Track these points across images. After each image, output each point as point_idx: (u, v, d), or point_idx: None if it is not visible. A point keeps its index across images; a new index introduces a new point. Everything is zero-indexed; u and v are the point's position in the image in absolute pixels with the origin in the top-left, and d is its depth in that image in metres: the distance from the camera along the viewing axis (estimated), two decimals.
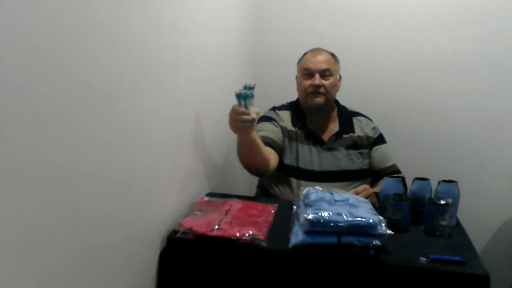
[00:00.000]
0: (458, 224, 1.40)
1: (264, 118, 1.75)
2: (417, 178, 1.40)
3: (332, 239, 1.12)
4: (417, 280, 1.11)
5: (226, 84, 1.78)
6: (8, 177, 0.66)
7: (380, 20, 2.08)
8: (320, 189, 1.32)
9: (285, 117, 1.77)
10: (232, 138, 1.90)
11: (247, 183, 1.87)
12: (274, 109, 1.81)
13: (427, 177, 1.40)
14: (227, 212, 1.34)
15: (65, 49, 0.77)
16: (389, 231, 1.13)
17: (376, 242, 1.12)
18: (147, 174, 1.13)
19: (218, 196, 1.50)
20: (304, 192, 1.31)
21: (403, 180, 1.40)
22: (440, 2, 2.03)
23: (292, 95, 1.84)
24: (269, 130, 1.69)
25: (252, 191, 1.94)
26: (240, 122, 1.37)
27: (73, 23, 0.78)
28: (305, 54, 1.78)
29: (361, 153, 1.74)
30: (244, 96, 1.35)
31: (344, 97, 1.97)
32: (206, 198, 1.45)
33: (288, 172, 1.70)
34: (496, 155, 2.07)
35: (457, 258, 1.14)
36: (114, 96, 0.94)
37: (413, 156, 2.10)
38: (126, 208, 1.03)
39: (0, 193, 0.65)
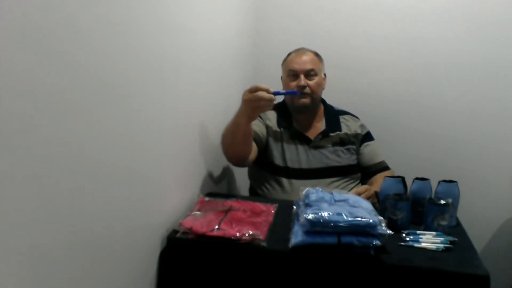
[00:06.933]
0: (458, 224, 1.40)
1: None
2: (417, 178, 1.40)
3: (332, 239, 1.12)
4: (417, 280, 1.11)
5: (226, 84, 1.78)
6: (8, 176, 0.66)
7: (381, 19, 2.08)
8: (320, 189, 1.32)
9: (272, 116, 1.78)
10: None
11: (247, 183, 1.87)
12: None
13: (427, 177, 1.40)
14: (227, 212, 1.34)
15: (63, 48, 0.77)
16: (389, 231, 1.13)
17: (376, 242, 1.12)
18: (147, 174, 1.13)
19: (218, 196, 1.50)
20: (304, 192, 1.31)
21: (403, 180, 1.40)
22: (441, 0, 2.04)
23: None
24: (254, 124, 1.66)
25: None
26: (264, 101, 1.34)
27: (69, 23, 0.78)
28: (289, 54, 1.77)
29: (348, 149, 1.75)
30: None
31: (344, 96, 1.97)
32: (206, 198, 1.45)
33: (278, 172, 1.71)
34: (496, 155, 2.07)
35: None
36: (114, 96, 0.94)
37: (413, 156, 2.10)
38: (126, 208, 1.03)
39: (0, 193, 0.65)
